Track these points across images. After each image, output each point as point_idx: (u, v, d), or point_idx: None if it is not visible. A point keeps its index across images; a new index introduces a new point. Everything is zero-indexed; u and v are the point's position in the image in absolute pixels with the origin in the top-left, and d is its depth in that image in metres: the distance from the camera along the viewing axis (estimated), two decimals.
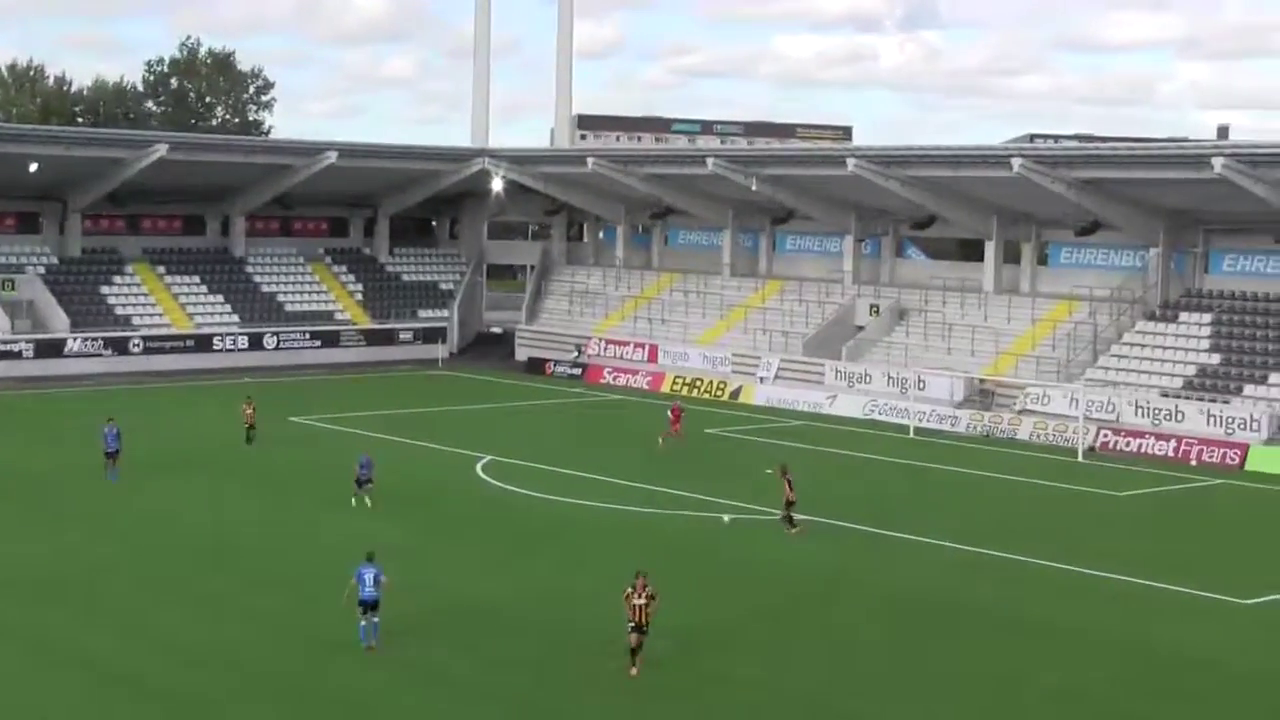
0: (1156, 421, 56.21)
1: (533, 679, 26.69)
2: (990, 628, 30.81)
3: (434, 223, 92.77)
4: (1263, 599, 33.58)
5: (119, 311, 75.35)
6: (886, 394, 63.66)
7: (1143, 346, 61.56)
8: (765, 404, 66.11)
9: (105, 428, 44.41)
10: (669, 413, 53.98)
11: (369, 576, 27.39)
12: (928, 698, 26.24)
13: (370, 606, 27.36)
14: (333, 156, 76.26)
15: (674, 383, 70.60)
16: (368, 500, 40.37)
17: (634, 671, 26.38)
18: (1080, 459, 53.46)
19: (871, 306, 71.30)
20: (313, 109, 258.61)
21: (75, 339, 72.02)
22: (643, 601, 26.45)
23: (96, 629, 29.31)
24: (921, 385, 62.09)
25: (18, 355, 70.35)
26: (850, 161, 66.50)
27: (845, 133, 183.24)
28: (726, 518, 37.32)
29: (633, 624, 26.45)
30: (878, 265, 75.20)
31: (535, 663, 27.56)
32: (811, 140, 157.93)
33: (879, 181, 66.91)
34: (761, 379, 68.86)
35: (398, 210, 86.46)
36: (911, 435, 57.99)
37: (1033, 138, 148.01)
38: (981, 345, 65.53)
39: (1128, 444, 55.24)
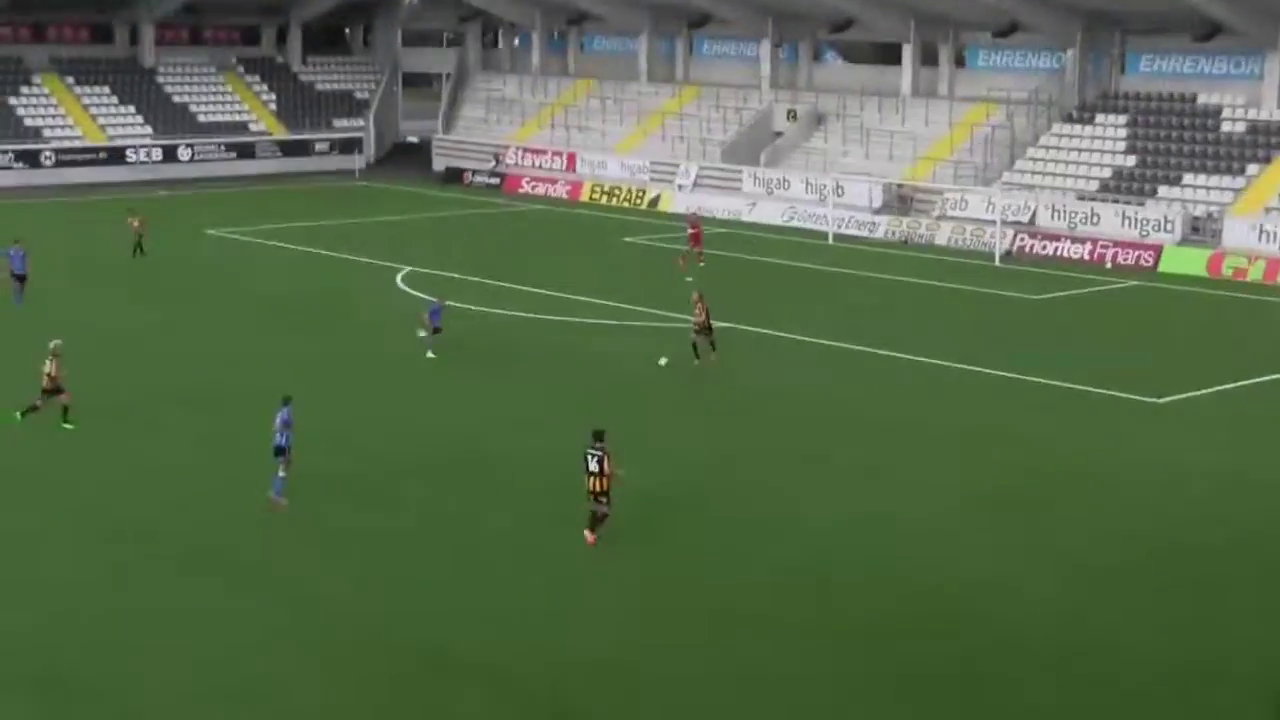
0: (1072, 225, 56.90)
1: (426, 486, 27.21)
2: (894, 430, 31.57)
3: (347, 30, 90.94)
4: (1174, 397, 34.54)
5: (28, 123, 73.79)
6: (805, 200, 63.91)
7: (1059, 150, 61.99)
8: (685, 211, 66.08)
9: (11, 250, 42.78)
10: (688, 229, 51.73)
11: (279, 420, 25.14)
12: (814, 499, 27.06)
13: (278, 453, 25.20)
14: None
15: (592, 191, 70.44)
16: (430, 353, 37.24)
17: (590, 539, 23.92)
18: (997, 263, 54.19)
19: (789, 111, 71.09)
20: None
21: None
22: (597, 470, 23.76)
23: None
24: (840, 191, 62.33)
25: None
26: None
27: None
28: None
29: (591, 494, 23.97)
30: (795, 70, 74.78)
31: (435, 469, 28.06)
32: None
33: None
34: (680, 186, 68.82)
35: (310, 18, 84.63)
36: (830, 241, 58.43)
37: None
38: (900, 150, 65.69)
39: (1044, 247, 55.98)
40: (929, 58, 70.25)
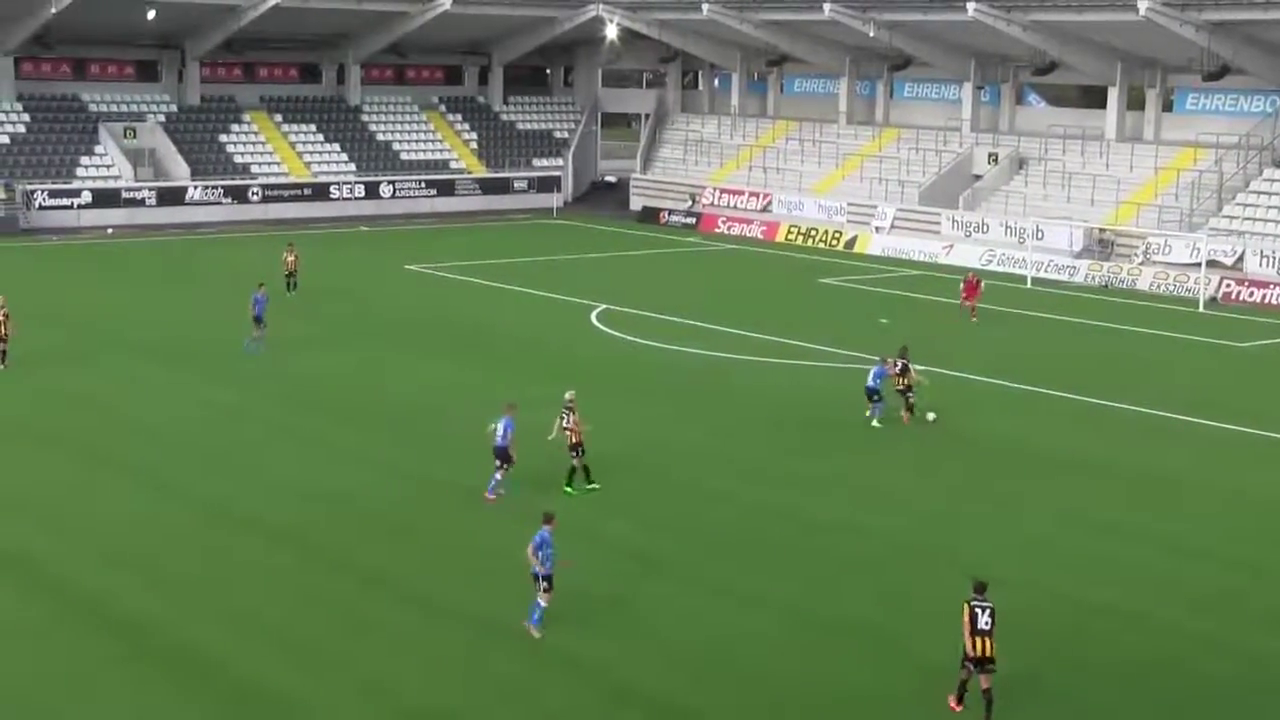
0: None
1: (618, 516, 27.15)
2: (1096, 476, 30.64)
3: (548, 71, 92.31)
4: None
5: (238, 160, 76.31)
6: (1004, 244, 62.83)
7: (1270, 195, 59.94)
8: (881, 253, 65.60)
9: (256, 294, 41.72)
10: (962, 284, 50.22)
11: (502, 426, 27.43)
12: (1022, 541, 26.29)
13: (500, 456, 27.63)
14: (446, 3, 75.96)
15: (789, 232, 70.21)
16: None
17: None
18: (1201, 309, 52.56)
19: (990, 155, 70.05)
20: None
21: (196, 187, 73.17)
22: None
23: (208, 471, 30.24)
24: (1040, 235, 61.16)
25: (141, 203, 71.72)
26: (971, 6, 64.89)
27: None
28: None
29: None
30: (997, 113, 73.72)
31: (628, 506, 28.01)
32: None
33: (1000, 26, 65.32)
34: (877, 228, 68.20)
35: (512, 58, 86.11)
36: (1029, 286, 57.30)
37: None
38: (1102, 194, 64.23)
39: (1251, 294, 54.14)
40: (1135, 101, 68.66)
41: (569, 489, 28.56)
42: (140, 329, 45.00)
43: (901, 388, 34.74)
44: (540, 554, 21.46)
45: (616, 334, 45.58)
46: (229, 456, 31.09)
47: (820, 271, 60.36)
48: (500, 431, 27.66)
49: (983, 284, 51.11)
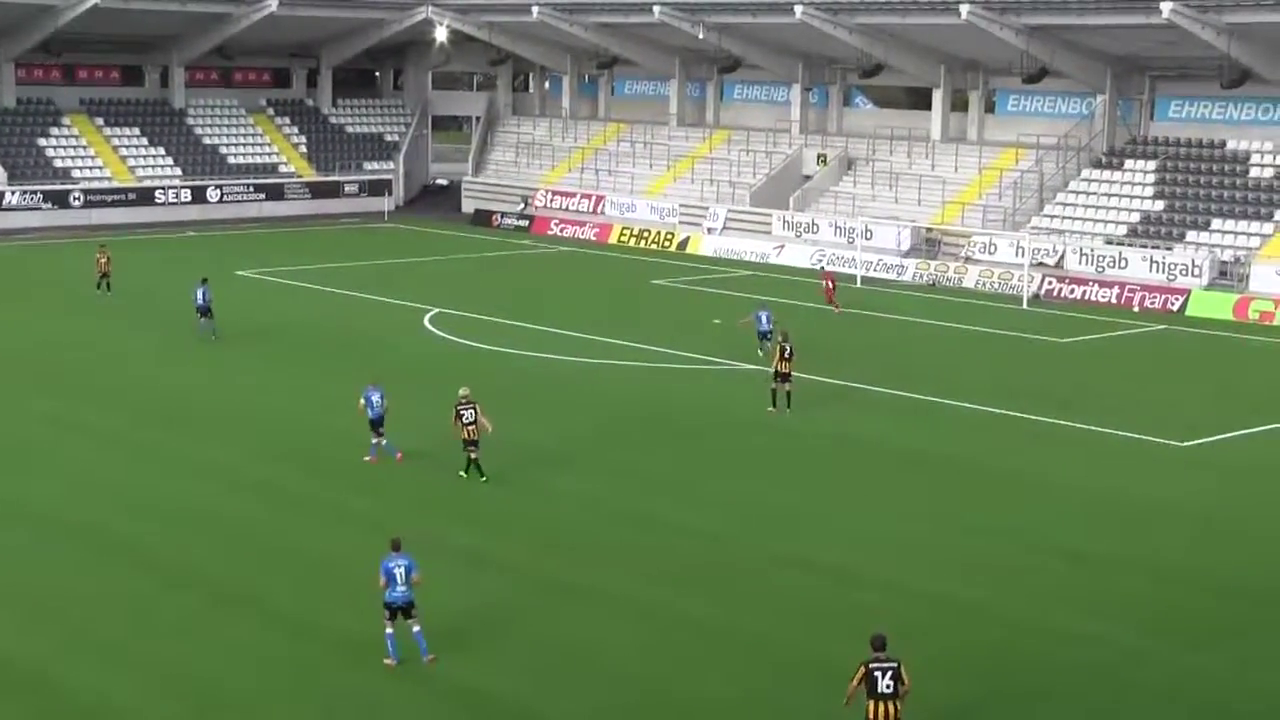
0: (1100, 269, 56.70)
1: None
2: (924, 470, 31.30)
3: (377, 74, 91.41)
4: (1200, 440, 34.23)
5: (58, 164, 74.22)
6: (834, 243, 63.82)
7: (1088, 194, 61.85)
8: (713, 254, 66.18)
9: (199, 288, 44.33)
10: (824, 283, 51.79)
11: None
12: (870, 538, 26.76)
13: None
14: (273, 5, 74.71)
15: (621, 234, 70.48)
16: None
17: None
18: (1025, 306, 53.97)
19: (819, 156, 71.12)
20: None
21: (14, 192, 70.98)
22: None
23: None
24: (869, 235, 62.25)
25: None
26: (798, 9, 65.78)
27: None
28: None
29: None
30: (825, 115, 74.88)
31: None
32: None
33: (827, 29, 66.35)
34: (709, 229, 68.80)
35: (340, 60, 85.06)
36: (859, 285, 58.24)
37: None
38: (928, 194, 65.62)
39: (1072, 291, 55.77)
40: (959, 103, 70.30)
41: (465, 474, 29.53)
42: None
43: (784, 372, 35.23)
44: (391, 583, 20.66)
45: (450, 337, 45.33)
46: (61, 467, 30.26)
47: (653, 273, 60.69)
48: (377, 401, 30.09)
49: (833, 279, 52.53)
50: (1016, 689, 20.69)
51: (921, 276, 59.64)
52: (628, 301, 54.13)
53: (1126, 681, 20.90)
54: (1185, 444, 33.94)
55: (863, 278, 59.12)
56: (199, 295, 44.27)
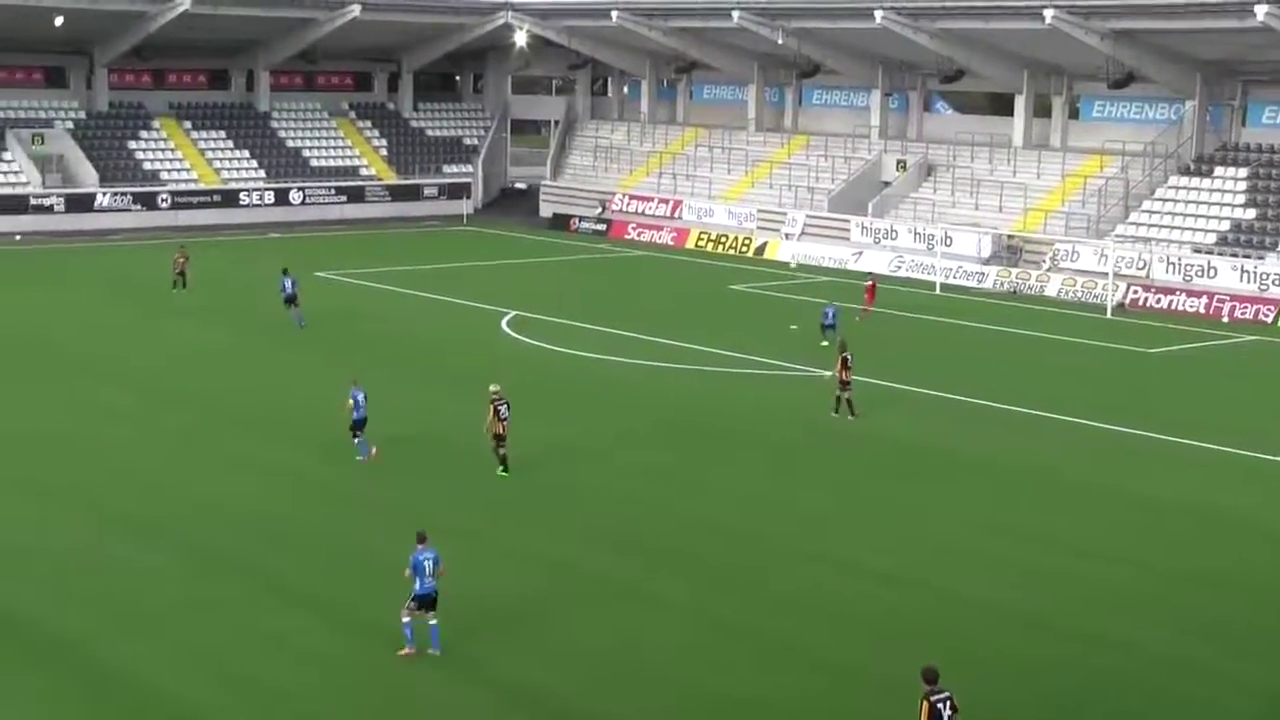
0: (1188, 278, 55.88)
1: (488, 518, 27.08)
2: (1004, 480, 30.96)
3: (458, 77, 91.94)
4: None
5: (147, 166, 75.35)
6: (913, 250, 63.40)
7: (1176, 202, 60.96)
8: (791, 260, 65.95)
9: (283, 279, 46.94)
10: (865, 288, 51.29)
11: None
12: (921, 544, 26.50)
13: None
14: (356, 10, 75.40)
15: (698, 238, 70.42)
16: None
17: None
18: (1109, 315, 53.31)
19: (898, 162, 70.69)
20: None
21: (105, 194, 72.16)
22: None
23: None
24: (948, 241, 61.77)
25: (49, 209, 70.65)
26: (878, 14, 65.42)
27: None
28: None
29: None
30: (905, 120, 74.42)
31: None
32: None
33: (908, 34, 65.92)
34: (787, 235, 68.58)
35: (421, 64, 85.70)
36: (937, 291, 57.83)
37: None
38: (1010, 201, 65.01)
39: (1158, 300, 55.01)
40: (1042, 109, 69.58)
41: (505, 473, 29.82)
42: (53, 334, 44.27)
43: (843, 380, 35.11)
44: (418, 574, 21.04)
45: (527, 340, 45.47)
46: (131, 465, 30.65)
47: (730, 278, 60.57)
48: (362, 401, 30.58)
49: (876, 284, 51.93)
50: (1073, 701, 20.41)
51: (1002, 284, 59.08)
52: (704, 306, 54.04)
53: (1204, 700, 20.56)
54: (1273, 458, 33.33)
55: (942, 284, 58.64)
56: (286, 285, 46.62)
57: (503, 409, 29.74)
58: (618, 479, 30.38)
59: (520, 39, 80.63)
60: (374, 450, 30.78)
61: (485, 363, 41.87)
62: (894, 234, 65.25)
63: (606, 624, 22.61)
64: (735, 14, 71.14)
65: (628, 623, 22.72)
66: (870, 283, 51.65)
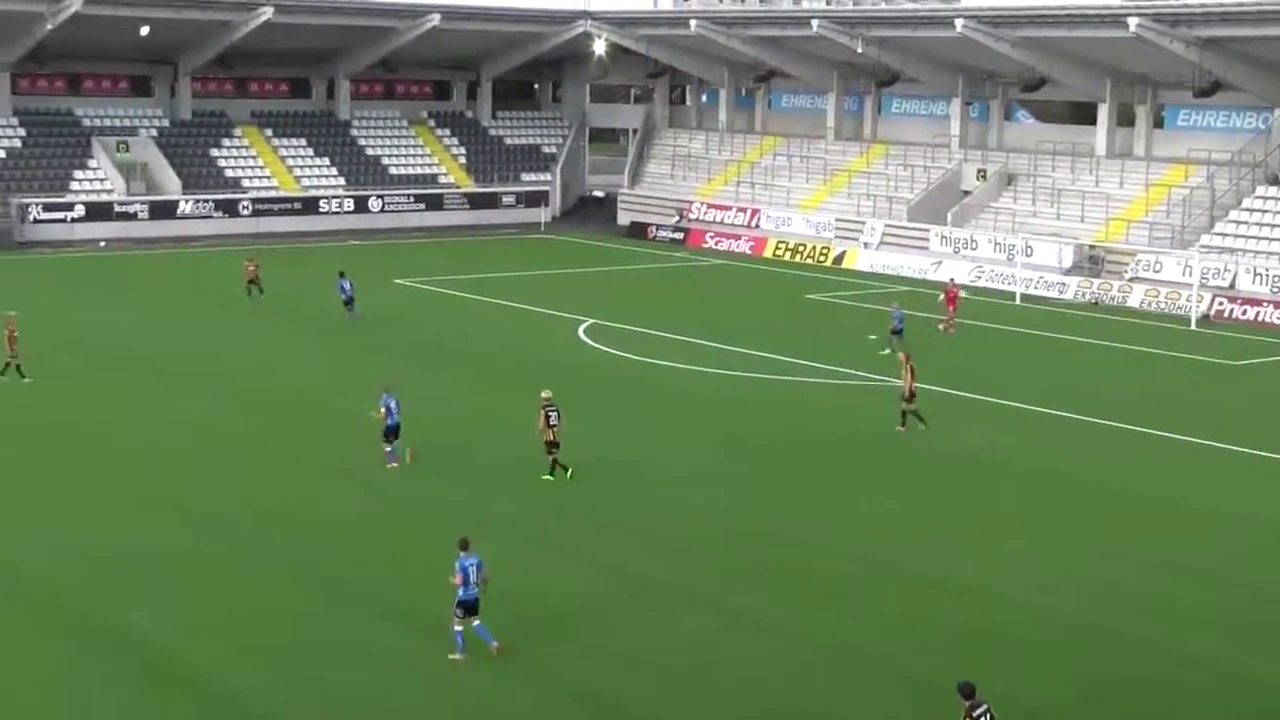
0: (1276, 289, 54.93)
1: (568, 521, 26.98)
2: (1090, 495, 30.52)
3: (536, 86, 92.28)
4: None
5: (229, 174, 76.22)
6: (993, 260, 62.79)
7: (1263, 212, 59.94)
8: (869, 269, 65.58)
9: (341, 282, 49.35)
10: (943, 295, 50.54)
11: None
12: (1003, 557, 26.16)
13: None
14: (435, 19, 75.93)
15: (776, 247, 70.18)
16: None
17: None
18: (1193, 327, 52.53)
19: (979, 171, 70.07)
20: None
21: (187, 201, 73.05)
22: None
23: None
24: (1029, 251, 61.12)
25: (133, 216, 71.65)
26: (959, 22, 64.95)
27: None
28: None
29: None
30: (985, 129, 73.78)
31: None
32: (919, 0, 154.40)
33: (988, 43, 65.38)
34: (865, 244, 68.17)
35: (500, 73, 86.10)
36: (1018, 302, 57.25)
37: None
38: (1092, 211, 64.24)
39: (1244, 312, 54.13)
40: (1125, 118, 68.72)
41: (550, 476, 30.08)
42: (133, 341, 44.81)
43: (908, 393, 34.68)
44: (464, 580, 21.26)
45: (604, 348, 45.46)
46: (210, 470, 30.93)
47: (808, 287, 60.29)
48: (394, 409, 30.63)
49: (961, 294, 51.20)
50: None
51: (1083, 295, 58.39)
52: (781, 315, 53.80)
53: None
54: None
55: (1022, 295, 58.06)
56: (344, 288, 48.76)
57: (553, 415, 29.99)
58: (692, 487, 30.26)
59: (599, 48, 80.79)
60: (409, 456, 30.93)
61: (561, 370, 41.91)
62: (973, 244, 64.67)
63: (679, 632, 22.52)
64: (814, 23, 70.89)
65: (700, 632, 22.60)
66: (951, 290, 51.10)
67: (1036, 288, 59.28)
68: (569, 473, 30.13)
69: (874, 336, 47.08)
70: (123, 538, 26.46)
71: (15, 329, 38.84)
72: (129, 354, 43.13)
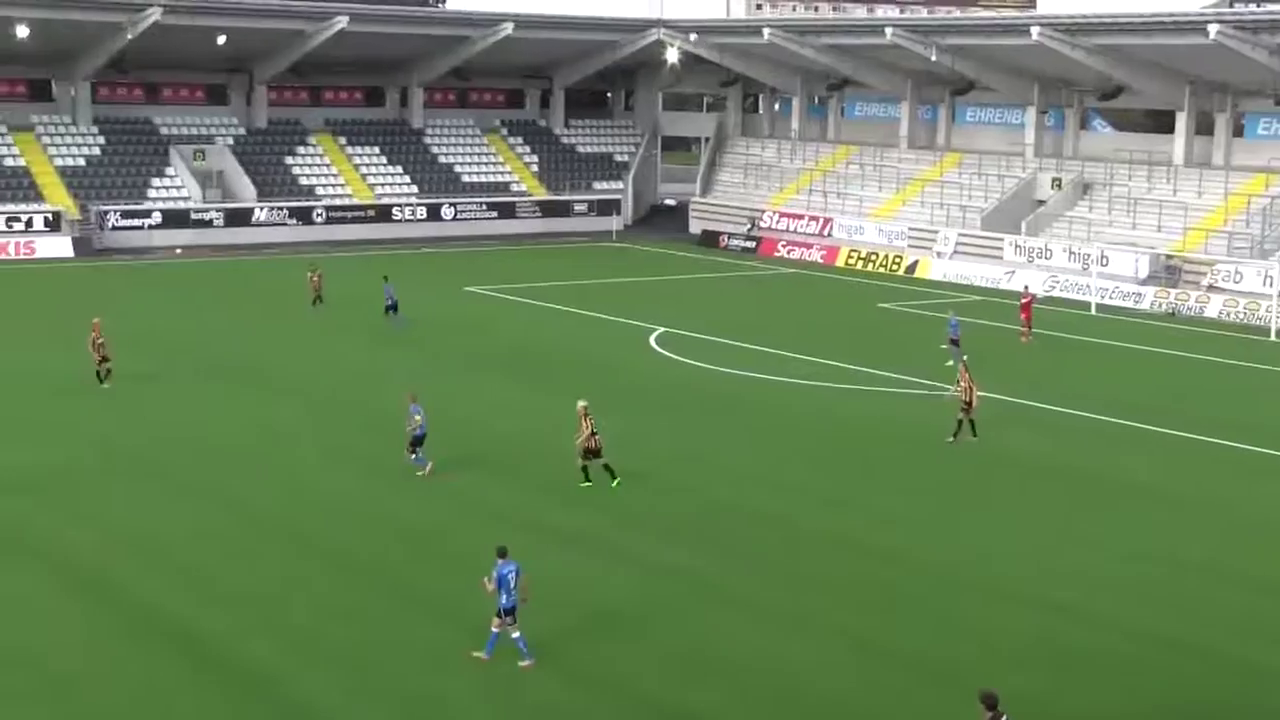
0: None
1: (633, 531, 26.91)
2: (1167, 507, 30.07)
3: (609, 94, 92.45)
4: None
5: (303, 181, 76.92)
6: (1068, 270, 62.17)
7: None
8: (942, 279, 65.12)
9: (386, 287, 50.16)
10: (1020, 305, 50.14)
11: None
12: (1076, 565, 25.80)
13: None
14: (509, 28, 76.28)
15: (849, 256, 69.85)
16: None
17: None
18: (1273, 338, 51.71)
19: (1054, 180, 69.41)
20: None
21: (262, 208, 73.80)
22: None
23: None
24: (1104, 261, 60.43)
25: (209, 223, 72.48)
26: (1035, 30, 64.42)
27: (1029, 0, 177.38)
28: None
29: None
30: (1061, 138, 73.07)
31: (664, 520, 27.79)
32: (994, 8, 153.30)
33: (1065, 51, 64.78)
34: (939, 253, 67.71)
35: (573, 81, 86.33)
36: (1093, 312, 56.62)
37: (1232, 1, 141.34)
38: (1169, 220, 63.43)
39: None
40: (1204, 126, 67.83)
41: (588, 483, 30.09)
42: (209, 347, 45.29)
43: (966, 400, 34.35)
44: (502, 588, 21.20)
45: (675, 357, 45.39)
46: (290, 475, 31.16)
47: (880, 296, 59.94)
48: (418, 420, 30.64)
49: (1034, 302, 50.72)
50: None
51: (1160, 305, 57.67)
52: (852, 324, 53.52)
53: None
54: None
55: (1097, 305, 57.39)
56: (388, 293, 49.60)
57: (593, 422, 30.17)
58: (762, 499, 30.10)
59: (671, 56, 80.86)
60: (429, 466, 30.86)
61: (631, 377, 41.95)
62: (1048, 253, 64.04)
63: (746, 639, 22.43)
64: (888, 31, 70.57)
65: (769, 638, 22.49)
66: (1027, 299, 50.56)
67: (1112, 298, 58.61)
68: (615, 481, 30.03)
69: (946, 346, 46.73)
70: (198, 539, 26.71)
71: (100, 334, 39.37)
72: (205, 359, 43.50)
